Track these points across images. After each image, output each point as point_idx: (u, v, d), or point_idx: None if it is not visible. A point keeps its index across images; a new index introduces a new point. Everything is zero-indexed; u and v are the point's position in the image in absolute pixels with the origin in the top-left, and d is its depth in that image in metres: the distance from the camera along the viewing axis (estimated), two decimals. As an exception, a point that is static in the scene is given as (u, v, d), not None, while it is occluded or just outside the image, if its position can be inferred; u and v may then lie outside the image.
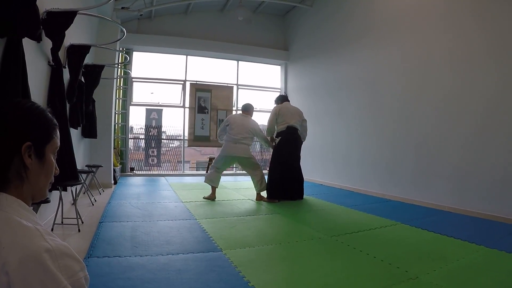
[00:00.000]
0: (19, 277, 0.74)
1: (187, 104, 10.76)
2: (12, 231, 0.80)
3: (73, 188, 4.64)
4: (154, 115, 10.82)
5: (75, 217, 4.12)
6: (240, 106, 11.44)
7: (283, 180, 6.20)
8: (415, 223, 4.59)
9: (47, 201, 3.45)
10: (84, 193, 5.95)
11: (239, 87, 11.55)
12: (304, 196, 6.57)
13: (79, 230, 3.99)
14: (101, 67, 6.25)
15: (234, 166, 11.04)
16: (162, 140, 11.08)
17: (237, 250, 3.42)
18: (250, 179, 6.42)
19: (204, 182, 6.49)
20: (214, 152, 12.48)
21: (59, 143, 1.02)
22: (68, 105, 4.73)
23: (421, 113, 6.24)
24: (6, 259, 0.75)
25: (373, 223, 4.67)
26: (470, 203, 5.26)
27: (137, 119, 10.78)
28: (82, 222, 4.29)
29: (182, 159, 11.17)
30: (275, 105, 6.66)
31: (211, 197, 6.27)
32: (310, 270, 2.92)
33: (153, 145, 10.84)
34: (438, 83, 5.90)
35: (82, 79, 5.72)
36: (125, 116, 10.21)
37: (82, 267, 0.85)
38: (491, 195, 4.99)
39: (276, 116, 6.33)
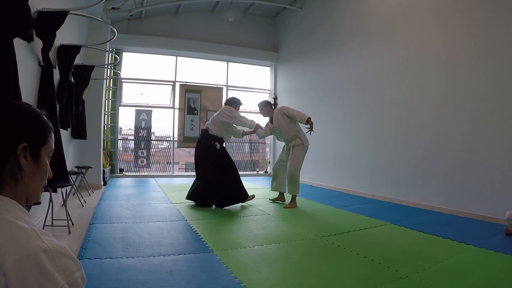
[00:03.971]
0: (17, 277, 0.74)
1: (176, 105, 10.72)
2: (8, 232, 0.80)
3: (63, 190, 4.61)
4: (143, 116, 10.76)
5: (65, 218, 4.09)
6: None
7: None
8: (405, 224, 4.64)
9: (37, 202, 3.43)
10: (73, 194, 5.91)
11: (228, 88, 11.54)
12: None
13: (69, 232, 3.96)
14: (91, 67, 6.22)
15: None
16: (152, 141, 11.03)
17: (228, 251, 3.43)
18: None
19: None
20: (204, 153, 12.44)
21: (53, 146, 1.02)
22: (58, 106, 4.70)
23: (411, 114, 6.30)
24: (3, 260, 0.75)
25: (363, 223, 4.71)
26: (459, 204, 5.33)
27: (126, 120, 10.71)
28: (73, 224, 4.26)
29: (171, 160, 11.14)
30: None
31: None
32: (301, 270, 2.95)
33: (142, 146, 10.79)
34: (428, 84, 5.96)
35: (72, 80, 5.69)
36: (114, 117, 10.15)
37: (79, 266, 0.85)
38: (479, 195, 5.07)
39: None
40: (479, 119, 5.14)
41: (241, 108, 6.57)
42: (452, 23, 5.59)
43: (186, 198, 6.00)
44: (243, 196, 5.99)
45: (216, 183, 5.79)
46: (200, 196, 5.84)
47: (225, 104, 6.43)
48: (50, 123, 1.01)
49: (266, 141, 12.23)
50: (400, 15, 6.60)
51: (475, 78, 5.21)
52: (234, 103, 6.33)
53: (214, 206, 5.81)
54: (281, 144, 10.62)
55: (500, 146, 4.84)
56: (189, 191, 6.03)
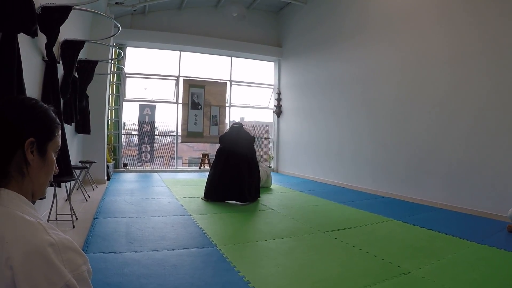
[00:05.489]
0: (23, 271, 0.74)
1: (180, 100, 10.74)
2: (15, 226, 0.81)
3: (67, 184, 4.63)
4: (147, 111, 10.79)
5: (70, 213, 4.12)
6: (233, 102, 11.44)
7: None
8: (408, 220, 4.65)
9: (42, 197, 3.44)
10: (77, 189, 5.94)
11: (232, 83, 11.53)
12: (297, 192, 6.61)
13: (73, 226, 3.98)
14: (95, 62, 6.22)
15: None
16: (155, 136, 11.06)
17: (231, 246, 3.45)
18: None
19: None
20: (207, 148, 12.47)
21: (60, 143, 1.02)
22: (62, 101, 4.71)
23: (413, 111, 6.29)
24: (9, 254, 0.75)
25: (366, 219, 4.72)
26: (462, 200, 5.33)
27: (130, 115, 10.77)
28: (77, 218, 4.28)
29: (175, 155, 11.16)
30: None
31: None
32: (304, 266, 2.96)
33: (146, 141, 10.82)
34: (431, 82, 5.94)
35: (76, 75, 5.70)
36: (118, 111, 10.17)
37: (85, 260, 0.86)
38: (482, 192, 5.06)
39: None
40: (482, 116, 5.12)
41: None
42: (455, 20, 5.57)
43: (207, 198, 5.87)
44: (258, 194, 6.17)
45: (251, 176, 5.94)
46: (233, 189, 5.76)
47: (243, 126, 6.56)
48: (57, 119, 1.01)
49: (270, 137, 12.24)
50: (405, 13, 6.55)
51: (478, 75, 5.20)
52: None
53: (232, 201, 5.79)
54: (284, 141, 10.66)
55: (503, 143, 4.82)
56: (213, 188, 5.87)
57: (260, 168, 6.54)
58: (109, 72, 8.32)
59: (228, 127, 6.61)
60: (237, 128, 6.20)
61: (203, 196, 5.92)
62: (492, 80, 5.01)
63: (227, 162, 5.85)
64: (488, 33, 5.07)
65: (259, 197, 6.14)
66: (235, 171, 5.76)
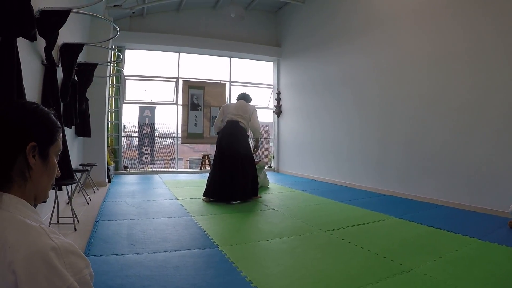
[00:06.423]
0: (26, 275, 0.75)
1: (180, 102, 10.75)
2: (17, 230, 0.81)
3: (68, 187, 4.63)
4: (147, 113, 10.80)
5: (71, 216, 4.12)
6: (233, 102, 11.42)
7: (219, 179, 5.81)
8: (409, 217, 4.65)
9: (44, 201, 3.45)
10: (78, 192, 5.94)
11: (231, 83, 11.54)
12: (298, 191, 6.58)
13: (75, 229, 3.99)
14: (94, 65, 6.23)
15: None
16: (155, 138, 11.08)
17: (233, 246, 3.45)
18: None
19: None
20: (207, 149, 12.45)
21: (61, 146, 1.03)
22: (61, 104, 4.72)
23: (408, 109, 6.33)
24: (12, 258, 0.76)
25: (367, 217, 4.72)
26: (462, 197, 5.33)
27: (130, 117, 10.77)
28: (78, 221, 4.28)
29: (175, 157, 11.17)
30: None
31: None
32: (306, 265, 2.96)
33: (146, 143, 10.83)
34: (423, 81, 5.97)
35: (75, 78, 5.70)
36: (118, 114, 10.18)
37: (87, 264, 0.86)
38: (481, 188, 5.07)
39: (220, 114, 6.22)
40: (476, 112, 5.14)
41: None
42: (445, 24, 5.66)
43: (206, 196, 5.85)
44: (256, 192, 6.05)
45: (246, 175, 5.81)
46: (227, 189, 5.69)
47: (241, 99, 6.41)
48: (58, 123, 1.02)
49: (270, 136, 12.24)
50: (401, 14, 6.54)
51: (470, 74, 5.26)
52: (250, 100, 6.40)
53: (229, 200, 5.74)
54: (285, 141, 10.65)
55: (503, 140, 4.82)
56: (212, 187, 5.83)
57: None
58: (108, 74, 8.32)
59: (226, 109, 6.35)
60: (232, 123, 5.98)
61: (203, 195, 5.93)
62: (483, 79, 5.05)
63: (221, 161, 5.82)
64: (476, 35, 5.13)
65: (256, 195, 6.06)
66: (229, 170, 5.72)
